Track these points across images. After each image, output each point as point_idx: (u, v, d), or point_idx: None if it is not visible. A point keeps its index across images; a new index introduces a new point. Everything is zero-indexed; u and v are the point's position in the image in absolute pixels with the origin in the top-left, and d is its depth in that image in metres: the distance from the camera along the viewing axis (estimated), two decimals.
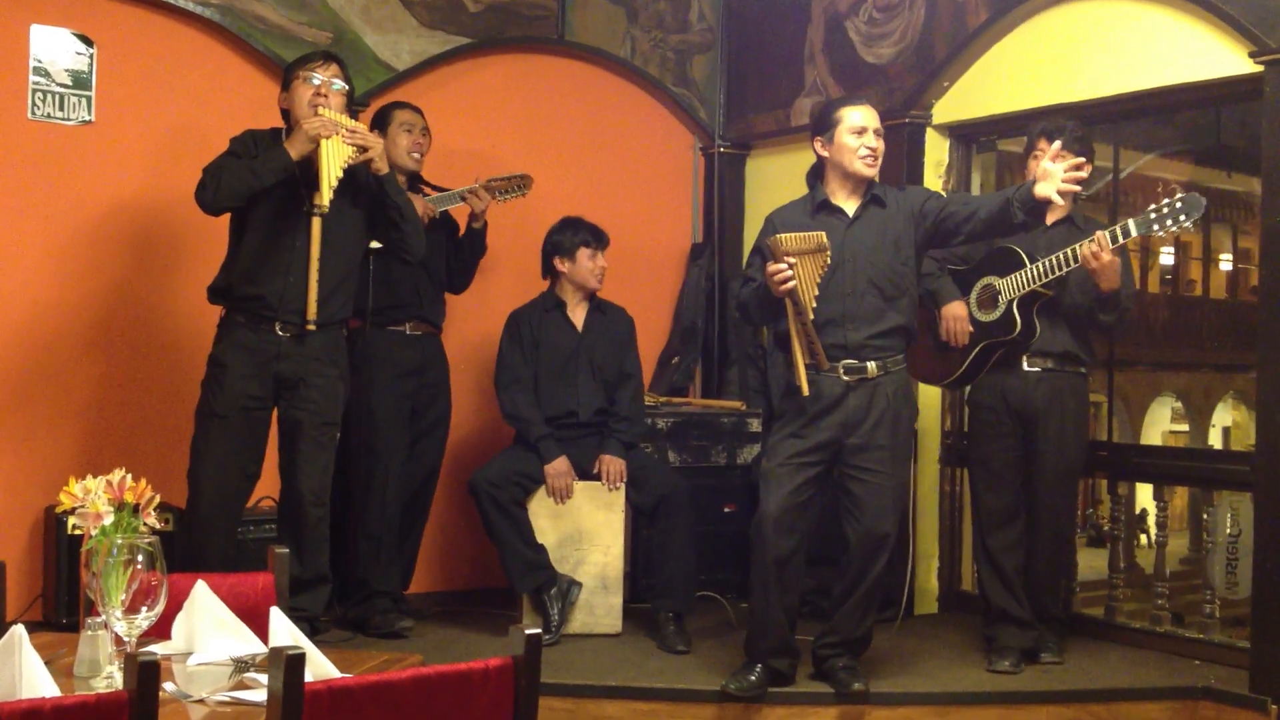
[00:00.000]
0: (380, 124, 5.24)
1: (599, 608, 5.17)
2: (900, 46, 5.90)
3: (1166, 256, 19.24)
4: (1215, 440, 18.63)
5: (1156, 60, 5.04)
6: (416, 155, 5.27)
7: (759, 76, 6.63)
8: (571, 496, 5.16)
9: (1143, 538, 16.11)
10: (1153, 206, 4.39)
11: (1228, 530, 5.88)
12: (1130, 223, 4.41)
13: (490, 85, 6.16)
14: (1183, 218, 4.28)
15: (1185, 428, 19.13)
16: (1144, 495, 6.06)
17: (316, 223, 4.46)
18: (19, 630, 2.11)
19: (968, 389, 5.12)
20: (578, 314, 5.37)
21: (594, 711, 4.37)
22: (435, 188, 5.37)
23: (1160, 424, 19.44)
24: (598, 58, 6.49)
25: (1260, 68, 4.58)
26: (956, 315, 4.83)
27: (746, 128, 6.73)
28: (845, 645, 4.48)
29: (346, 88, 4.62)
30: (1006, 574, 4.83)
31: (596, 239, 5.36)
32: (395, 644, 4.86)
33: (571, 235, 5.34)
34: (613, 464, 5.20)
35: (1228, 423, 19.26)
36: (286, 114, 4.60)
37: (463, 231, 5.45)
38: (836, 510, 4.47)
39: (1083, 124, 4.92)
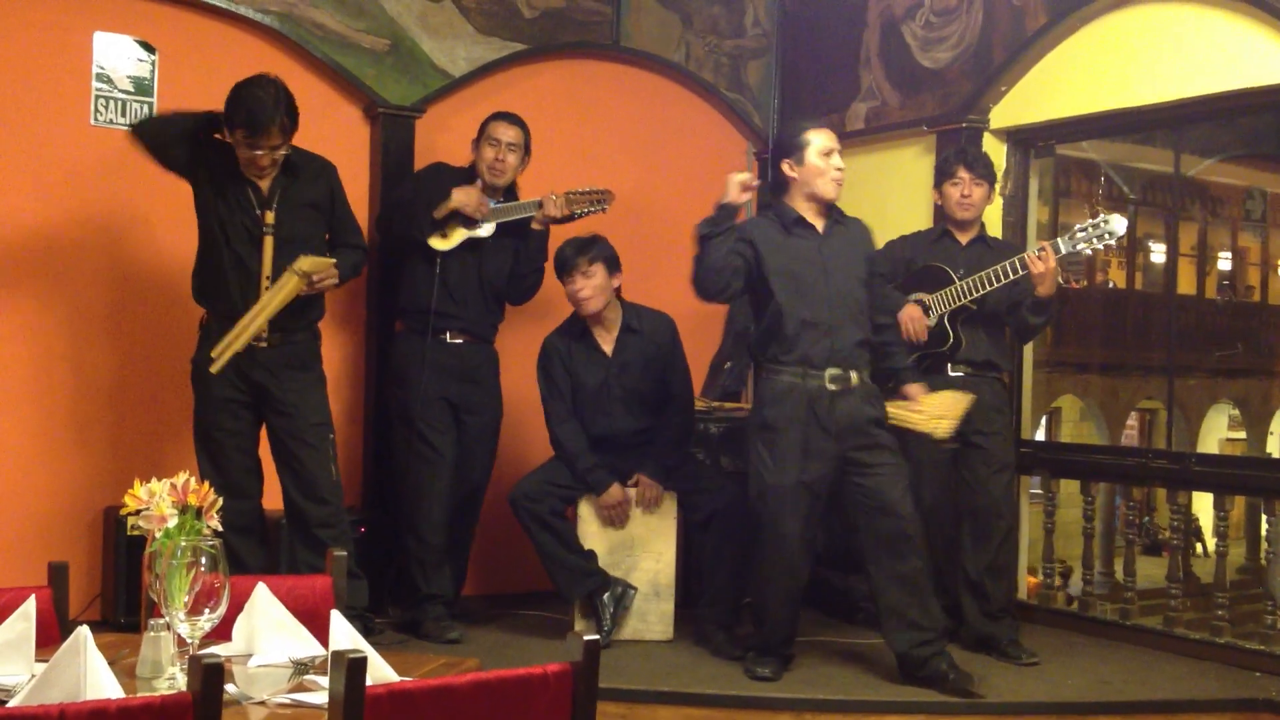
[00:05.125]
0: (478, 134, 5.26)
1: (651, 614, 5.16)
2: (957, 51, 5.86)
3: (1224, 262, 19.02)
4: (1273, 448, 18.37)
5: (1217, 64, 4.98)
6: (497, 171, 5.18)
7: (814, 81, 6.61)
8: (627, 524, 5.12)
9: (1197, 546, 15.96)
10: (1079, 226, 4.83)
11: None
12: (1058, 241, 4.81)
13: (545, 91, 6.18)
14: (1108, 237, 4.75)
15: (1242, 435, 18.90)
16: (1198, 504, 5.99)
17: (269, 242, 4.58)
18: (84, 631, 2.13)
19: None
20: (607, 338, 5.21)
21: (647, 716, 4.36)
22: (510, 198, 5.29)
23: (1217, 431, 19.22)
24: (652, 63, 6.49)
25: None
26: (913, 316, 5.04)
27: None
28: (939, 638, 4.48)
29: (288, 142, 4.60)
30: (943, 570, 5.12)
31: (564, 262, 5.10)
32: (450, 647, 4.88)
33: (556, 261, 5.16)
34: (649, 489, 5.13)
35: None
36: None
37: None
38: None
39: (1143, 128, 4.96)
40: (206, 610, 2.29)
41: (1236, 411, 18.80)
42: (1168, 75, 5.15)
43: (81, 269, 5.24)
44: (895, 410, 4.62)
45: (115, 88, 5.27)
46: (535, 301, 5.53)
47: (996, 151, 5.78)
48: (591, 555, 5.09)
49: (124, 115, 5.29)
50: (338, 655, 1.87)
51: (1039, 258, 4.78)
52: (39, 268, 5.18)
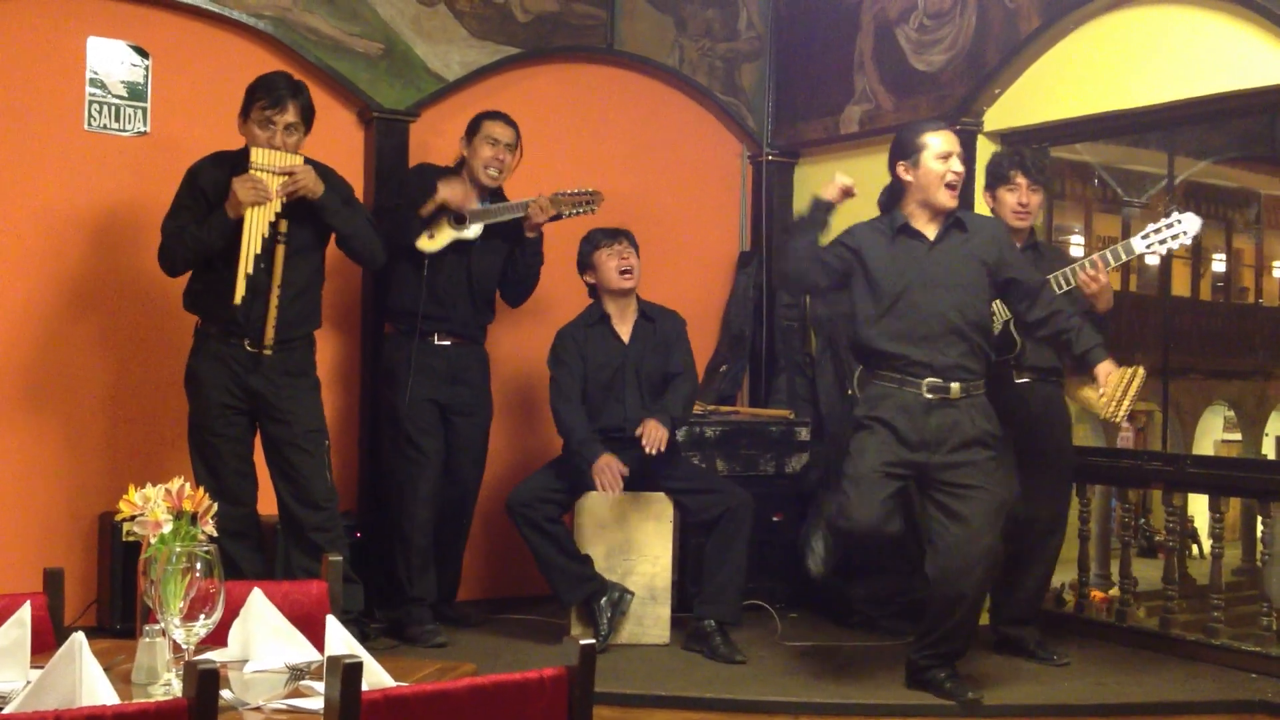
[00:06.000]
0: (470, 132, 5.28)
1: (647, 618, 5.15)
2: (951, 54, 5.86)
3: (1219, 263, 19.05)
4: (1268, 449, 18.40)
5: (1211, 66, 4.99)
6: (493, 172, 5.22)
7: (808, 84, 6.62)
8: (621, 489, 4.97)
9: (1193, 548, 15.98)
10: (1151, 226, 4.61)
11: None
12: (1132, 242, 4.65)
13: (540, 95, 6.18)
14: (1184, 236, 4.54)
15: (1238, 437, 18.92)
16: (1193, 506, 5.99)
17: (280, 250, 4.56)
18: (79, 638, 2.13)
19: None
20: (624, 325, 5.26)
21: None
22: (497, 199, 5.32)
23: (1212, 433, 19.23)
24: (646, 66, 6.49)
25: None
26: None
27: (795, 135, 6.71)
28: (949, 657, 4.44)
29: (304, 134, 4.62)
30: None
31: (610, 234, 5.22)
32: (445, 652, 4.88)
33: (586, 244, 5.26)
34: (656, 429, 4.97)
35: None
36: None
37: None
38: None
39: (1137, 130, 4.93)
40: (202, 616, 2.29)
41: (1232, 413, 18.81)
42: (1161, 77, 5.16)
43: (76, 275, 5.23)
44: (1081, 393, 4.40)
45: (109, 93, 5.27)
46: (530, 303, 5.55)
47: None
48: (588, 560, 5.07)
49: (117, 120, 5.28)
50: (333, 660, 1.86)
51: (1090, 276, 4.62)
52: (33, 273, 5.17)
